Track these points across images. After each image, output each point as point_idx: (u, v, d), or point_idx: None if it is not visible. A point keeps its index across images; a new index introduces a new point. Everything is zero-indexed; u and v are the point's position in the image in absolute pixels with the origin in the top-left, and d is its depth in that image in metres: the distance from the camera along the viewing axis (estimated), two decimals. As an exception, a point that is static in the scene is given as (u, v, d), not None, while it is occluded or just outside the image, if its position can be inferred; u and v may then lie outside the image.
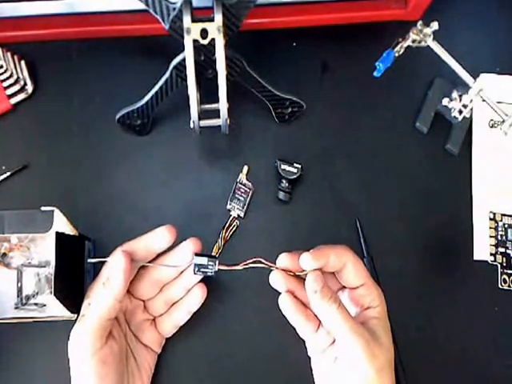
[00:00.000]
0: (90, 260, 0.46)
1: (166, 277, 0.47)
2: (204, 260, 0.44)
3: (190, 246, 0.45)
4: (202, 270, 0.44)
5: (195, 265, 0.44)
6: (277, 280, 0.42)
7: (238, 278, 0.50)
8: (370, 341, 0.39)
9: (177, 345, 0.49)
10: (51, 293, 0.42)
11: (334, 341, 0.43)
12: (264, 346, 0.50)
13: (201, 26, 0.42)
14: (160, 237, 0.45)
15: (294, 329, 0.44)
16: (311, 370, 0.45)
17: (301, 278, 0.43)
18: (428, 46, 0.47)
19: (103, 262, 0.46)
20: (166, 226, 0.45)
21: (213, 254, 0.50)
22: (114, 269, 0.42)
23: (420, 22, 0.47)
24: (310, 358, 0.45)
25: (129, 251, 0.44)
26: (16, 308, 0.44)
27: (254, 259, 0.43)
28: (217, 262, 0.44)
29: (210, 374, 0.49)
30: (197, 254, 0.44)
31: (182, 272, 0.47)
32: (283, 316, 0.43)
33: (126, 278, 0.42)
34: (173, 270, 0.46)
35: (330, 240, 0.52)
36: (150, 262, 0.46)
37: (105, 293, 0.42)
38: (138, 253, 0.44)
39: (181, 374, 0.49)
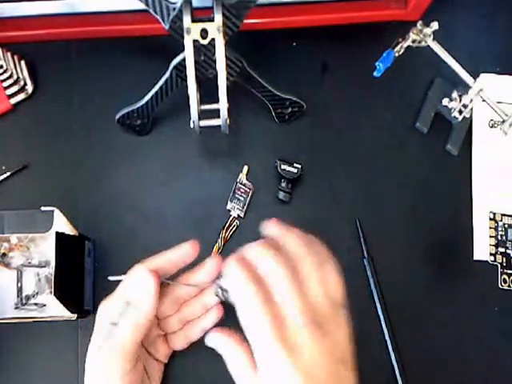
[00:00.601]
0: (110, 278, 0.43)
1: (186, 294, 0.45)
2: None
3: (214, 264, 0.44)
4: (225, 295, 0.39)
5: (219, 287, 0.40)
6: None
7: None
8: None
9: (185, 354, 0.48)
10: (51, 293, 0.42)
11: None
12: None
13: (201, 26, 0.42)
14: (183, 252, 0.43)
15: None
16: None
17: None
18: (428, 46, 0.47)
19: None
20: (189, 242, 0.43)
21: (213, 254, 0.50)
22: (144, 290, 0.40)
23: (420, 22, 0.47)
24: None
25: (153, 269, 0.41)
26: (16, 308, 0.44)
27: None
28: None
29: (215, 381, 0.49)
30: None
31: (203, 290, 0.46)
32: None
33: (157, 299, 0.40)
34: (194, 288, 0.45)
35: (330, 240, 0.52)
36: (170, 278, 0.44)
37: (136, 315, 0.40)
38: (160, 269, 0.42)
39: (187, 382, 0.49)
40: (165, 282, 0.43)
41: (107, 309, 0.41)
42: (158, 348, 0.46)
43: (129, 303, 0.40)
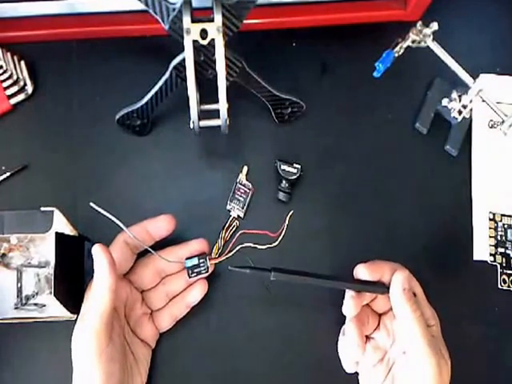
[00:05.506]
0: (92, 204, 0.44)
1: (169, 268, 0.47)
2: (195, 260, 0.46)
3: (197, 245, 0.47)
4: (196, 270, 0.46)
5: (187, 268, 0.46)
6: (350, 308, 0.44)
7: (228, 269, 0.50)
8: (441, 358, 0.42)
9: (176, 336, 0.49)
10: (51, 293, 0.42)
11: (382, 358, 0.46)
12: (260, 338, 0.50)
13: (200, 26, 0.42)
14: (160, 225, 0.46)
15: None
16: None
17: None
18: (428, 46, 0.47)
19: None
20: (166, 216, 0.46)
21: (213, 254, 0.50)
22: (99, 265, 0.42)
23: (419, 23, 0.47)
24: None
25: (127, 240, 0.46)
26: (16, 308, 0.44)
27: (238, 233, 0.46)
28: (207, 258, 0.46)
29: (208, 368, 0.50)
30: (187, 258, 0.46)
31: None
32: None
33: (113, 271, 0.42)
34: (178, 264, 0.47)
35: (330, 240, 0.52)
36: (156, 250, 0.46)
37: (99, 288, 0.42)
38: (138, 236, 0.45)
39: (178, 367, 0.50)
40: (150, 254, 0.46)
41: (87, 291, 0.45)
42: (144, 328, 0.47)
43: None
